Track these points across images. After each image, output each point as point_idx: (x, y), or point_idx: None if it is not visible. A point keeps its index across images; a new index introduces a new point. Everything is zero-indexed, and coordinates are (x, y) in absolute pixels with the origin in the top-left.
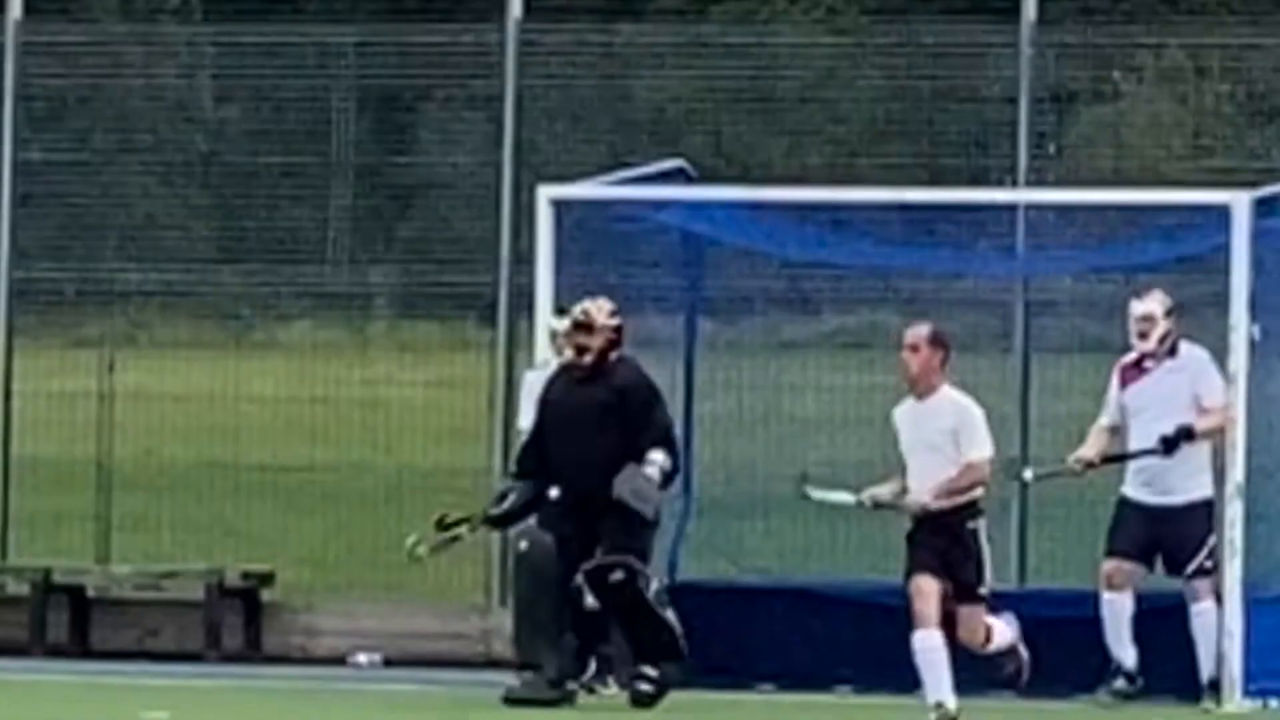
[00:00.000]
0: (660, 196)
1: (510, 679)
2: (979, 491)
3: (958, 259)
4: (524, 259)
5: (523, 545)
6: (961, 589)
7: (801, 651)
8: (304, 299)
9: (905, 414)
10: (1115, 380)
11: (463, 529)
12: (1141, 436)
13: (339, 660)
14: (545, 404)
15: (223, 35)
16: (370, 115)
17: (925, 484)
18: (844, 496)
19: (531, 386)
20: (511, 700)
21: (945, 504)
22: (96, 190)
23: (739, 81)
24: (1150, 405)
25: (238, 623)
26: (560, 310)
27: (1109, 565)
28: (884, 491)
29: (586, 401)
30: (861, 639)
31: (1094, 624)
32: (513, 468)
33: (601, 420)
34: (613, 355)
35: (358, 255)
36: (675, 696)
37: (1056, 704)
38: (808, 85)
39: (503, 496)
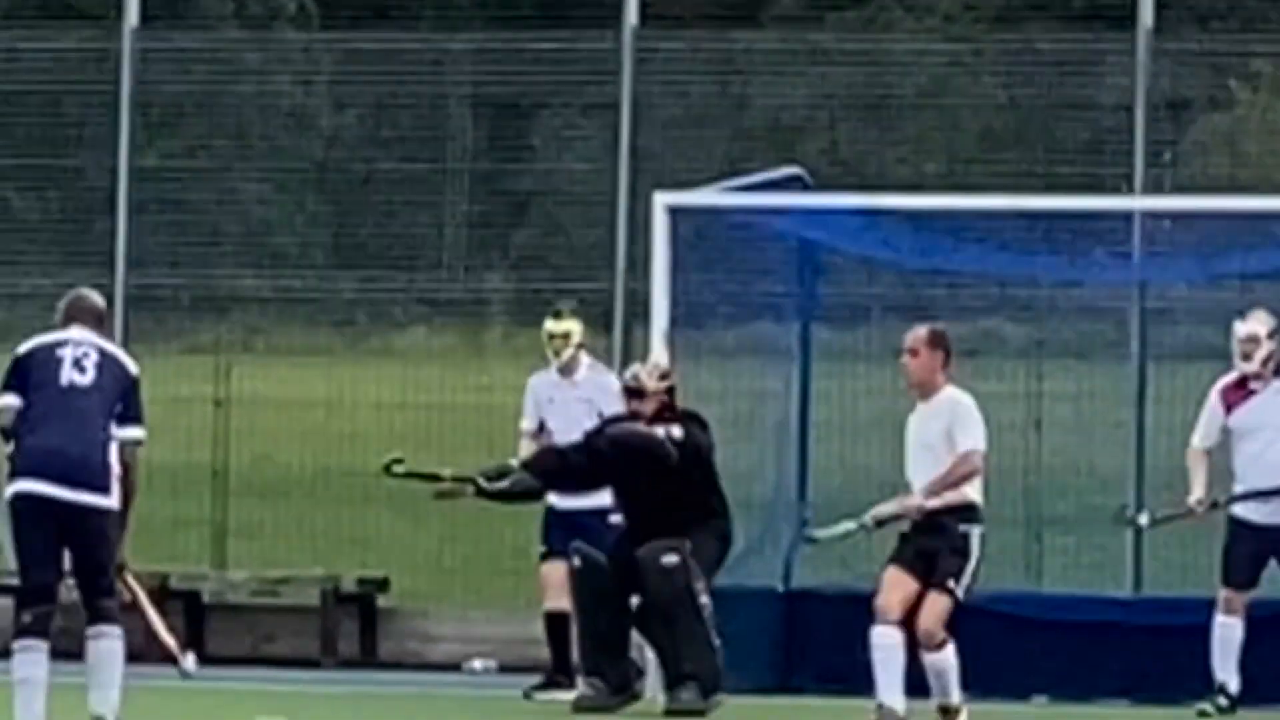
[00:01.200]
0: (776, 204)
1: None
2: (975, 494)
3: (1074, 266)
4: (639, 266)
5: (576, 562)
6: (937, 577)
7: (915, 658)
8: (419, 305)
9: (914, 417)
10: (1217, 403)
11: (446, 472)
12: (1251, 460)
13: (454, 666)
14: (597, 451)
15: (339, 42)
16: (486, 122)
17: (922, 485)
18: (847, 525)
19: (535, 390)
20: (581, 708)
21: (939, 502)
22: (212, 197)
23: (855, 89)
24: (1260, 427)
25: (353, 629)
26: (557, 314)
27: (1226, 593)
28: (886, 507)
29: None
30: (975, 645)
31: (1209, 632)
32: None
33: (662, 478)
34: (665, 416)
35: (473, 262)
36: (788, 702)
37: (1172, 710)
38: (924, 93)
39: (501, 474)
